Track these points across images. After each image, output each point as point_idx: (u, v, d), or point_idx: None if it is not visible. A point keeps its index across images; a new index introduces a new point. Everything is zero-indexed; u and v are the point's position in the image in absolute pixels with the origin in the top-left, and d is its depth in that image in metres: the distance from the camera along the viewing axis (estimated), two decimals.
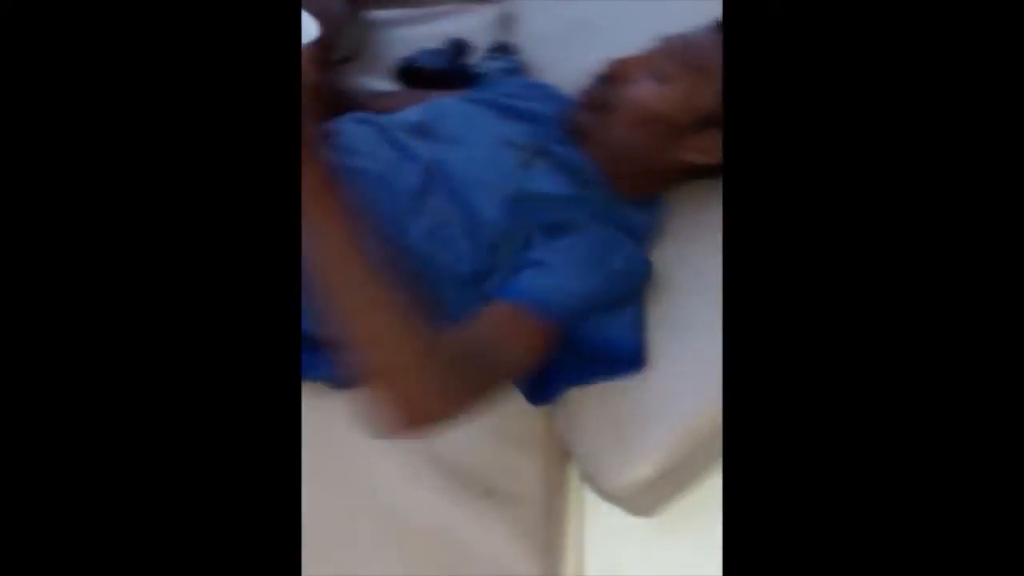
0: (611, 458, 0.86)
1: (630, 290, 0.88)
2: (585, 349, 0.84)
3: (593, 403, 0.89)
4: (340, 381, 0.85)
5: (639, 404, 0.86)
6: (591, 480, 0.89)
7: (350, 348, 0.68)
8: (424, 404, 0.70)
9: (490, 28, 1.37)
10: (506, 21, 1.35)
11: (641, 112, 0.90)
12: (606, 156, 0.93)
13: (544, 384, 0.88)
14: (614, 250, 0.87)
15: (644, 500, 0.88)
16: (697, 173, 0.94)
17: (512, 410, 0.92)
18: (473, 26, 1.36)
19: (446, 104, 1.00)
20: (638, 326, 0.88)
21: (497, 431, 0.93)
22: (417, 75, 1.24)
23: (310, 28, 0.65)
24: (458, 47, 1.28)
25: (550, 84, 1.11)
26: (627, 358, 0.86)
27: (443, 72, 1.23)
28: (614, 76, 0.92)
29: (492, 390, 0.75)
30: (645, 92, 0.90)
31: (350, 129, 0.96)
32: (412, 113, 0.99)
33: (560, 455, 0.95)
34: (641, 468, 0.84)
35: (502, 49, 1.26)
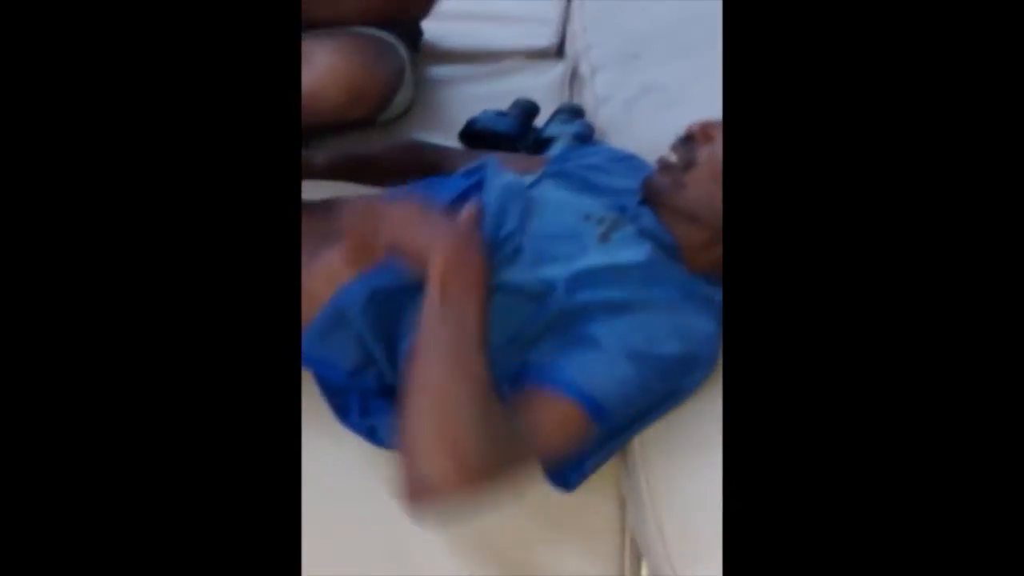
0: (678, 552, 0.78)
1: (681, 378, 0.84)
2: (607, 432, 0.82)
3: (661, 492, 0.82)
4: (382, 438, 0.83)
5: (706, 495, 0.78)
6: None
7: (411, 405, 0.71)
8: (450, 477, 0.69)
9: (556, 87, 1.33)
10: (575, 79, 1.31)
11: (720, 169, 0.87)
12: (683, 221, 0.90)
13: (573, 468, 0.84)
14: (677, 334, 0.82)
15: None
16: None
17: (589, 501, 0.87)
18: (539, 85, 1.31)
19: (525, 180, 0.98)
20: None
21: (570, 524, 0.87)
22: (482, 138, 1.19)
23: None
24: (526, 109, 1.22)
25: (635, 156, 1.07)
26: None
27: (510, 136, 1.18)
28: (698, 136, 0.91)
29: (517, 474, 0.76)
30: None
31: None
32: None
33: (635, 554, 0.89)
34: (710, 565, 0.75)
35: (571, 111, 1.21)
